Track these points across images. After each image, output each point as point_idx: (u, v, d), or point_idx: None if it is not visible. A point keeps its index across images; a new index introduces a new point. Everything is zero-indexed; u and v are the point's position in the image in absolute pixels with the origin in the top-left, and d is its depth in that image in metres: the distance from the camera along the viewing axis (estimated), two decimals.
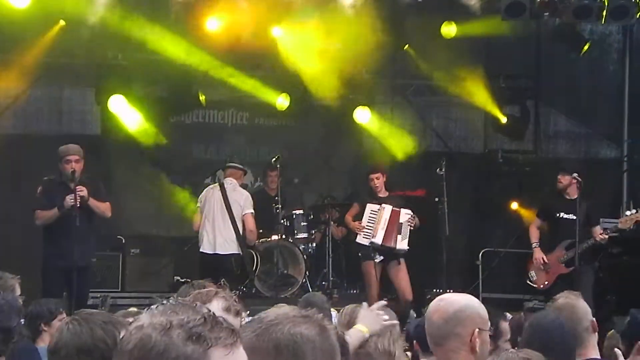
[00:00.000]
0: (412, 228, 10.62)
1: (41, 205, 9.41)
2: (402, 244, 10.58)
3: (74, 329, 3.15)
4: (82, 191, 9.20)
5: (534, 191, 13.26)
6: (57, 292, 9.11)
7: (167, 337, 1.68)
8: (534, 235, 10.49)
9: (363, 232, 10.67)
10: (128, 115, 12.36)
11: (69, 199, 9.15)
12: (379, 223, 10.62)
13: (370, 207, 10.74)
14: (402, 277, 10.54)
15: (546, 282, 10.31)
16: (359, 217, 10.89)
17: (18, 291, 5.26)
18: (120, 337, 1.73)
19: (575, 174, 10.37)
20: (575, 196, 10.17)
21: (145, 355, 1.68)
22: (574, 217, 10.02)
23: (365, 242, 10.63)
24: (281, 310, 2.05)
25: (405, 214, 10.64)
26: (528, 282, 10.50)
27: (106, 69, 12.36)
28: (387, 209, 10.64)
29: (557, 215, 10.28)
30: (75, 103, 13.07)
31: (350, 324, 5.26)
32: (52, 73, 12.69)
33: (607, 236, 10.07)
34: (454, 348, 3.48)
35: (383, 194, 10.94)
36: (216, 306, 3.37)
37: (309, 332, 1.96)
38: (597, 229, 10.05)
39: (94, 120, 13.05)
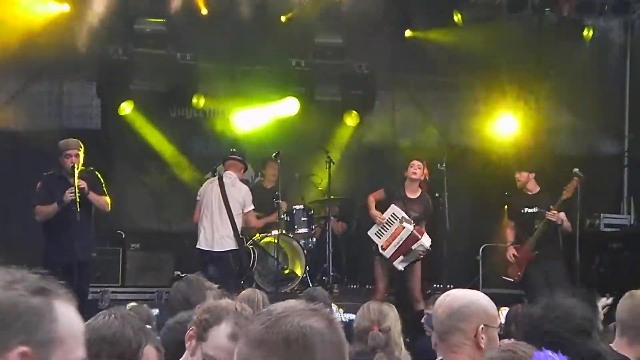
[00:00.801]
0: (420, 258, 10.33)
1: (41, 201, 9.39)
2: (400, 264, 10.30)
3: (108, 320, 3.26)
4: (82, 184, 9.18)
5: None
6: None
7: (12, 291, 1.73)
8: (509, 235, 10.92)
9: (378, 230, 10.44)
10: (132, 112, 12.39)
11: (69, 194, 9.13)
12: (394, 238, 10.25)
13: (393, 210, 10.29)
14: (411, 277, 10.47)
15: (519, 274, 10.63)
16: (381, 205, 10.49)
17: None
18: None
19: (575, 169, 10.44)
20: (536, 190, 10.66)
21: None
22: (537, 210, 10.49)
23: (375, 240, 10.46)
24: (290, 303, 2.04)
25: (419, 245, 10.15)
26: (503, 277, 10.86)
27: (107, 63, 12.37)
28: (407, 229, 10.14)
29: (522, 211, 10.64)
30: (76, 97, 13.07)
31: (380, 322, 5.38)
32: (52, 67, 12.69)
33: (555, 212, 10.29)
34: (457, 343, 3.46)
35: (414, 192, 10.51)
36: (224, 331, 3.36)
37: (318, 325, 1.94)
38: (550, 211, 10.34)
39: (95, 114, 13.05)
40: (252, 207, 10.72)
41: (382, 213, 10.39)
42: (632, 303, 4.64)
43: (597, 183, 12.87)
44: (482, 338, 3.45)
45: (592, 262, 11.68)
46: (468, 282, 11.53)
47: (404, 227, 10.23)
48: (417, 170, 10.45)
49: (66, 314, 1.78)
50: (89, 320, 3.30)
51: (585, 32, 12.59)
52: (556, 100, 14.15)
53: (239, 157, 11.07)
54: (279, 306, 2.01)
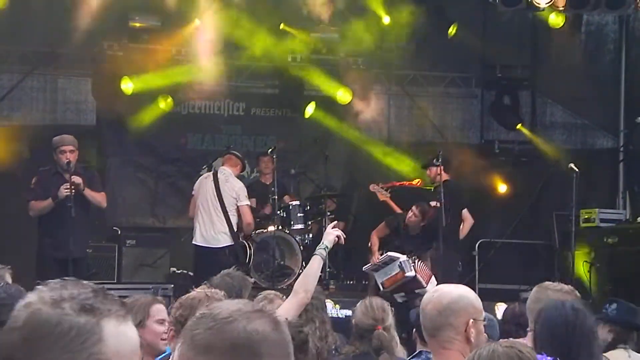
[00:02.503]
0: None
1: (35, 196, 9.38)
2: (399, 298, 10.14)
3: None
4: (77, 181, 9.17)
5: (530, 181, 13.26)
6: None
7: (59, 309, 1.67)
8: None
9: (374, 267, 10.25)
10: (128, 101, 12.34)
11: (64, 189, 9.12)
12: (394, 281, 9.94)
13: (390, 255, 9.82)
14: None
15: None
16: (384, 240, 10.60)
17: (9, 281, 5.20)
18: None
19: (571, 164, 10.46)
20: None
21: (37, 330, 1.66)
22: (436, 203, 10.67)
23: (373, 275, 10.29)
24: (234, 305, 2.00)
25: (423, 291, 9.67)
26: None
27: (101, 58, 12.35)
28: (409, 276, 9.62)
29: (434, 205, 10.74)
30: (70, 93, 13.04)
31: (384, 320, 5.35)
32: (47, 63, 12.66)
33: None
34: (447, 339, 3.49)
35: (414, 229, 10.65)
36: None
37: (264, 328, 1.93)
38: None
39: (89, 110, 13.02)
40: (247, 202, 10.71)
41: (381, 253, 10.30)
42: (537, 291, 4.72)
43: (593, 178, 12.89)
44: (471, 332, 3.48)
45: (587, 257, 11.69)
46: (464, 278, 11.52)
47: (405, 275, 9.96)
48: (412, 218, 10.58)
49: (115, 334, 1.71)
50: None
51: (553, 20, 12.52)
52: (551, 95, 14.16)
53: (238, 154, 11.10)
54: (224, 309, 1.97)
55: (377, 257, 10.22)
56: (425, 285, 9.80)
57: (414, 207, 10.71)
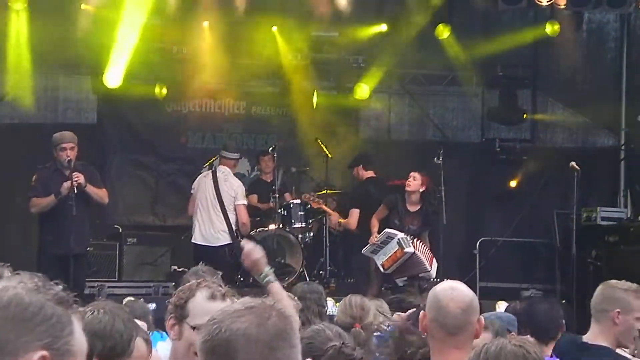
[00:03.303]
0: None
1: (36, 193, 9.40)
2: (401, 281, 9.89)
3: (98, 315, 3.27)
4: (79, 178, 9.17)
5: (531, 180, 13.25)
6: (53, 280, 9.08)
7: (40, 296, 1.75)
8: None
9: (373, 249, 10.13)
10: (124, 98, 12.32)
11: (66, 186, 9.12)
12: (394, 260, 9.79)
13: (388, 232, 9.82)
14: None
15: None
16: (384, 221, 10.45)
17: None
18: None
19: (572, 163, 10.47)
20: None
21: (20, 312, 1.71)
22: None
23: (372, 257, 10.19)
24: (230, 307, 2.07)
25: (427, 274, 9.54)
26: None
27: (103, 57, 12.33)
28: (408, 253, 9.62)
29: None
30: (72, 92, 13.03)
31: (362, 318, 5.24)
32: (48, 61, 12.64)
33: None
34: (466, 338, 3.45)
35: (413, 204, 10.28)
36: (200, 297, 3.35)
37: (245, 325, 1.98)
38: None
39: (90, 108, 13.01)
40: (244, 202, 10.72)
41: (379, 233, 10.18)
42: (602, 289, 4.73)
43: (594, 176, 12.89)
44: (479, 329, 3.49)
45: (588, 255, 11.69)
46: (465, 276, 11.52)
47: (404, 251, 9.79)
48: (411, 182, 10.23)
49: (79, 331, 1.78)
50: None
51: (549, 28, 12.55)
52: (552, 93, 14.15)
53: (228, 155, 11.14)
54: (217, 312, 2.07)
55: (375, 237, 10.15)
56: (429, 268, 9.67)
57: (412, 173, 10.40)
